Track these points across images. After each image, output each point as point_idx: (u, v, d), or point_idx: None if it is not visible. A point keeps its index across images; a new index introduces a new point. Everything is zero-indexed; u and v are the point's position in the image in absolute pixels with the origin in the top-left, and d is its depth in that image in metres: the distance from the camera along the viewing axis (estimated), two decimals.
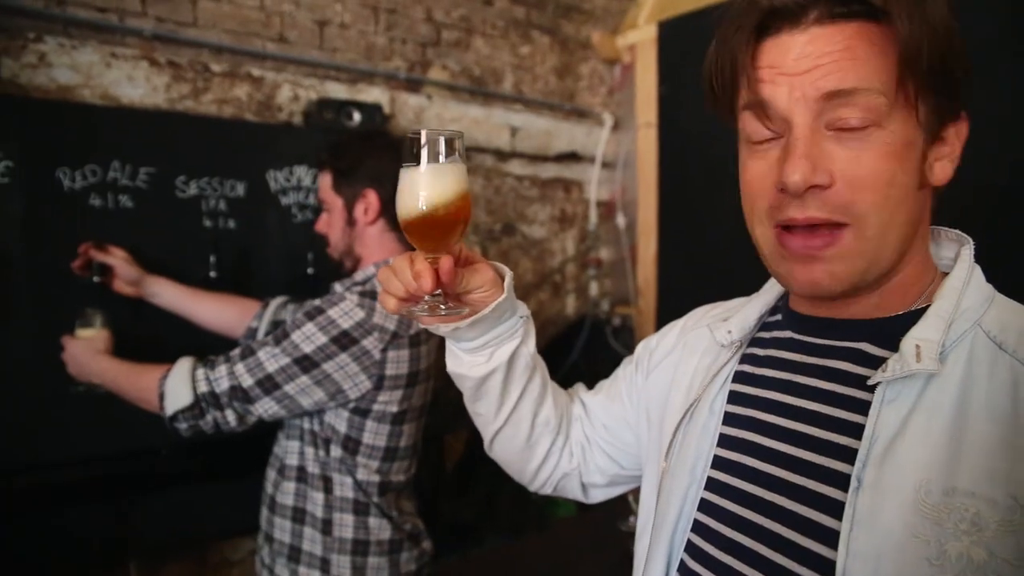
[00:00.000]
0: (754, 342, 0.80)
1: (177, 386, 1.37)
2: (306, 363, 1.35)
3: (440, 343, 1.49)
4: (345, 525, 1.46)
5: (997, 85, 1.52)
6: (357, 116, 2.17)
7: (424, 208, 0.72)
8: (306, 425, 1.47)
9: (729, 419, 0.76)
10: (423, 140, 0.72)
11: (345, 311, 1.38)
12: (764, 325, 0.82)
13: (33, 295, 1.66)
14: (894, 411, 0.61)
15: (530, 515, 2.81)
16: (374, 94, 2.36)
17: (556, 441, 0.97)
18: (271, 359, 1.35)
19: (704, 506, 0.75)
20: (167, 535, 1.95)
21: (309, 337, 1.36)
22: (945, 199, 0.69)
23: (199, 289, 1.75)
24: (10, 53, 1.73)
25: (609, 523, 1.78)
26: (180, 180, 1.90)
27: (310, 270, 2.08)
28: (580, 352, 3.03)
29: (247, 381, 1.36)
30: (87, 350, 1.49)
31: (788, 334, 0.76)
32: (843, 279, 0.64)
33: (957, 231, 0.71)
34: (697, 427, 0.78)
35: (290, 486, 1.48)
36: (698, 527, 0.75)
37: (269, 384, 1.36)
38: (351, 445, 1.44)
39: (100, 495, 1.83)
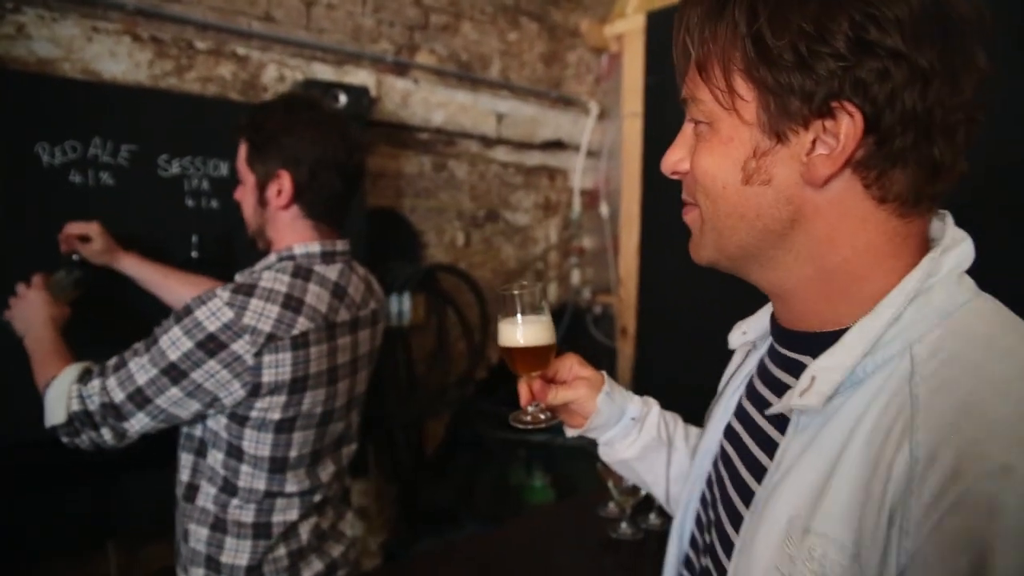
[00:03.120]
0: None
1: (54, 400, 1.26)
2: (174, 373, 1.22)
3: (360, 335, 1.45)
4: (199, 539, 1.36)
5: None
6: (343, 98, 2.15)
7: (524, 344, 0.93)
8: (196, 432, 1.36)
9: (735, 414, 0.80)
10: (519, 297, 0.94)
11: (212, 311, 1.22)
12: None
13: (10, 273, 1.63)
14: (799, 441, 0.61)
15: (508, 501, 2.83)
16: (361, 76, 2.34)
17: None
18: (140, 370, 1.23)
19: (700, 497, 0.83)
20: (146, 516, 1.94)
21: (175, 342, 1.22)
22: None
23: (171, 268, 1.70)
24: None
25: (587, 509, 1.80)
26: (163, 158, 1.88)
27: None
28: (560, 340, 3.04)
29: (118, 396, 1.23)
30: (41, 310, 1.42)
31: (770, 341, 0.76)
32: (699, 250, 0.69)
33: (962, 232, 0.63)
34: (713, 424, 0.84)
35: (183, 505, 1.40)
36: (696, 517, 0.83)
37: (140, 398, 1.23)
38: (234, 452, 1.32)
39: (79, 474, 1.81)
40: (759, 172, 0.60)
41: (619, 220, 3.04)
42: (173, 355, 1.22)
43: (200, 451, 1.37)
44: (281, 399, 1.29)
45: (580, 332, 3.10)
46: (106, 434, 1.26)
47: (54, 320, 1.43)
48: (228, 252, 1.98)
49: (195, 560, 1.36)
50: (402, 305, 2.43)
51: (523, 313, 0.95)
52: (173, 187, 1.90)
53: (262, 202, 1.38)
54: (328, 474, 1.46)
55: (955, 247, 0.59)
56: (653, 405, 0.99)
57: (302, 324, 1.29)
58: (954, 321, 0.56)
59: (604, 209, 3.14)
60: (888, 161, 0.56)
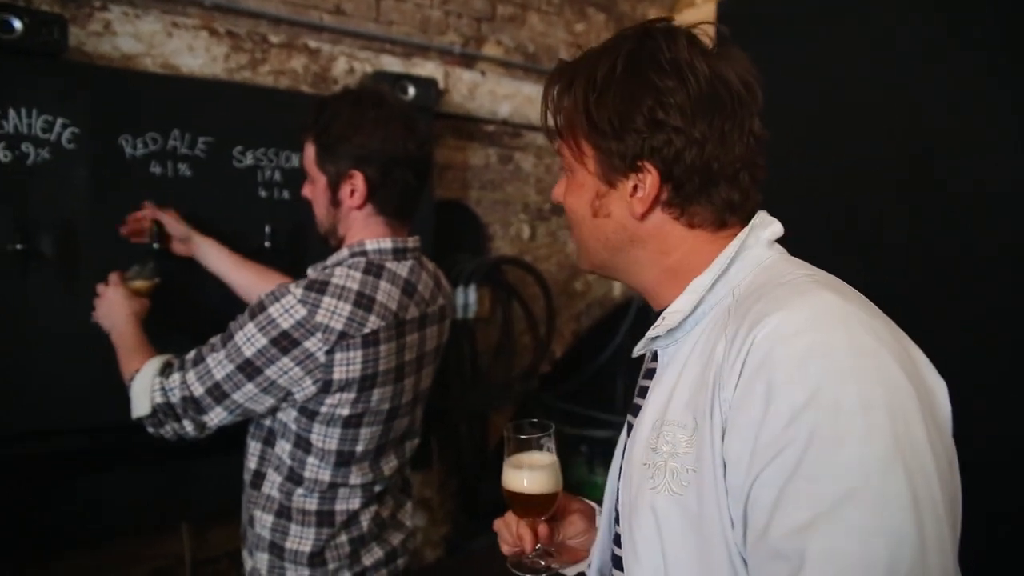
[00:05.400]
0: None
1: (139, 393, 1.31)
2: (249, 369, 1.25)
3: (427, 332, 1.45)
4: (264, 525, 1.38)
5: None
6: (412, 90, 2.16)
7: (529, 491, 0.94)
8: (266, 422, 1.39)
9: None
10: (527, 435, 0.96)
11: (286, 308, 1.23)
12: None
13: (96, 260, 1.69)
14: (660, 370, 0.80)
15: None
16: (428, 68, 2.34)
17: None
18: (218, 366, 1.26)
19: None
20: (217, 500, 2.00)
21: (250, 339, 1.24)
22: None
23: (244, 259, 1.72)
24: (77, 21, 1.76)
25: None
26: (237, 150, 1.92)
27: None
28: (625, 335, 2.99)
29: (198, 390, 1.27)
30: (122, 307, 1.47)
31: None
32: (580, 263, 0.89)
33: (772, 218, 0.82)
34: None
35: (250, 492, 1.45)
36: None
37: (218, 393, 1.27)
38: (302, 444, 1.34)
39: (155, 459, 1.87)
40: (602, 208, 0.80)
41: None
42: (248, 351, 1.24)
43: (269, 440, 1.39)
44: (351, 395, 1.30)
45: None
46: (187, 425, 1.30)
47: (136, 315, 1.48)
48: (299, 242, 2.01)
49: (260, 545, 1.38)
50: (467, 298, 2.43)
51: (531, 454, 0.95)
52: (247, 178, 1.94)
53: (335, 202, 1.37)
54: (391, 467, 1.47)
55: (767, 226, 0.78)
56: None
57: (373, 322, 1.29)
58: (763, 266, 0.75)
59: None
60: (686, 201, 0.76)
